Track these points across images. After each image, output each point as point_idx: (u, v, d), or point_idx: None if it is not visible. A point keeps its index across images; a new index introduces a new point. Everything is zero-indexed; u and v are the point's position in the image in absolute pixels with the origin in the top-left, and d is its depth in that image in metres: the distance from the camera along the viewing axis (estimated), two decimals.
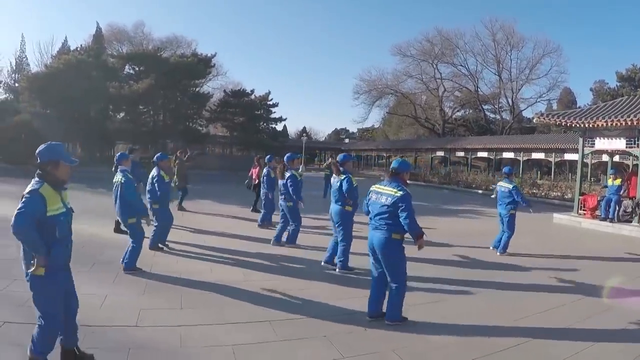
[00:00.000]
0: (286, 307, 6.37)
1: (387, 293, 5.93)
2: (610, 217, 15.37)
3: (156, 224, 9.39)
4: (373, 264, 6.06)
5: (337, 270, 8.37)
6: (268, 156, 13.53)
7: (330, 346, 5.11)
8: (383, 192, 5.82)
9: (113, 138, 40.42)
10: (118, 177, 8.10)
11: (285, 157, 10.68)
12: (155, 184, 9.33)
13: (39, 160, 4.20)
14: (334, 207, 8.40)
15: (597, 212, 16.17)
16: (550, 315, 6.45)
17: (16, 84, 49.82)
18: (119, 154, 8.55)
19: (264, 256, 9.26)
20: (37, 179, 4.12)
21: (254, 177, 15.85)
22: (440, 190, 32.29)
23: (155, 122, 44.58)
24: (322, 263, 8.74)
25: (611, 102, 18.23)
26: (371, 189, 6.09)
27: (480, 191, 29.51)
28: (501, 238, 10.84)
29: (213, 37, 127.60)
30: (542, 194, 27.51)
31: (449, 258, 10.03)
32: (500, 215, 10.88)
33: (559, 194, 26.46)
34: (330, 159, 25.26)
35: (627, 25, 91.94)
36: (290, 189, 10.09)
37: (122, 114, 45.00)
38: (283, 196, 10.36)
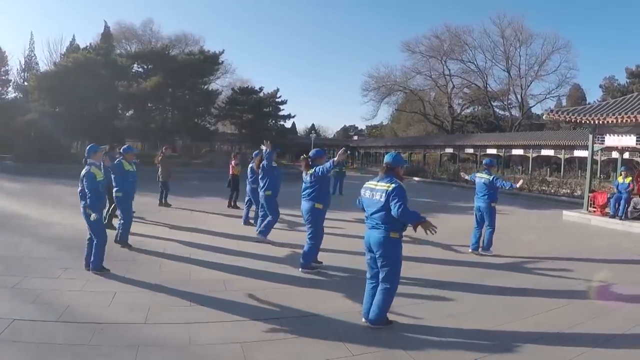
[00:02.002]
0: (296, 304, 6.37)
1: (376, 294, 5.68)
2: (620, 214, 15.28)
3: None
4: (369, 264, 5.82)
5: (300, 269, 8.10)
6: (255, 152, 13.35)
7: (340, 344, 5.11)
8: (377, 189, 5.59)
9: (122, 136, 40.26)
10: (83, 171, 7.52)
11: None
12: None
13: None
14: (304, 205, 8.18)
15: (607, 210, 16.09)
16: (558, 314, 6.43)
17: (25, 83, 50.07)
18: (89, 146, 8.01)
19: (274, 255, 9.26)
20: None
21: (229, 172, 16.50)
22: (449, 187, 32.18)
23: (164, 119, 44.64)
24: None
25: (621, 99, 18.11)
26: (365, 185, 5.85)
27: None
28: (478, 238, 10.42)
29: (221, 34, 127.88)
30: (552, 191, 27.32)
31: (455, 258, 9.97)
32: (479, 209, 10.39)
33: (568, 191, 26.26)
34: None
35: (637, 20, 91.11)
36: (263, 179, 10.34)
37: (130, 112, 45.15)
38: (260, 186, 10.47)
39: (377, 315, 5.59)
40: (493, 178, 10.22)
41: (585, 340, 5.46)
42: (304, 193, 8.21)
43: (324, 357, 4.79)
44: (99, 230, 7.46)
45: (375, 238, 5.54)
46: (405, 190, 5.49)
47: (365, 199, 5.76)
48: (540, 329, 5.77)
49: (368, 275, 5.87)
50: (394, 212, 5.32)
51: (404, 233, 5.64)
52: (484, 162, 10.75)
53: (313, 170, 8.01)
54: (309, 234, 8.16)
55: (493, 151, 47.64)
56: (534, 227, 14.86)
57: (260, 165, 10.49)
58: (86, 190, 7.31)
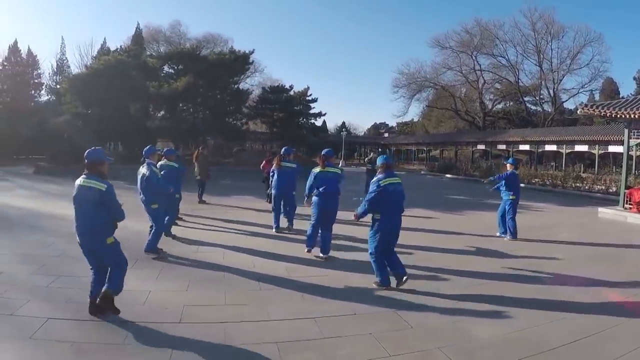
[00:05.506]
0: (331, 303, 6.38)
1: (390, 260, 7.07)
2: None
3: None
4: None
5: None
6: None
7: (376, 344, 5.07)
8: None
9: (154, 136, 40.75)
10: (143, 170, 8.82)
11: (283, 150, 11.50)
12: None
13: (88, 161, 5.60)
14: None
15: None
16: (599, 311, 6.30)
17: (58, 86, 51.04)
18: (147, 147, 9.20)
19: (307, 252, 9.16)
20: (95, 176, 5.50)
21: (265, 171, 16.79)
22: (482, 184, 31.80)
23: (195, 119, 45.05)
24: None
25: None
26: (388, 182, 7.11)
27: (522, 184, 28.89)
28: (503, 224, 11.70)
29: (249, 34, 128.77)
30: (586, 187, 26.80)
31: (490, 247, 10.13)
32: (503, 201, 11.81)
33: (603, 187, 25.72)
34: (372, 153, 25.25)
35: None
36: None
37: (162, 112, 45.73)
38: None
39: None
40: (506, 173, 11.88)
41: (630, 338, 5.31)
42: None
43: (362, 358, 4.75)
44: (158, 219, 8.80)
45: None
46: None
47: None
48: (582, 327, 5.63)
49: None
50: None
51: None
52: (508, 161, 12.26)
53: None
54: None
55: (526, 147, 46.92)
56: (570, 224, 14.58)
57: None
58: (149, 186, 8.68)
